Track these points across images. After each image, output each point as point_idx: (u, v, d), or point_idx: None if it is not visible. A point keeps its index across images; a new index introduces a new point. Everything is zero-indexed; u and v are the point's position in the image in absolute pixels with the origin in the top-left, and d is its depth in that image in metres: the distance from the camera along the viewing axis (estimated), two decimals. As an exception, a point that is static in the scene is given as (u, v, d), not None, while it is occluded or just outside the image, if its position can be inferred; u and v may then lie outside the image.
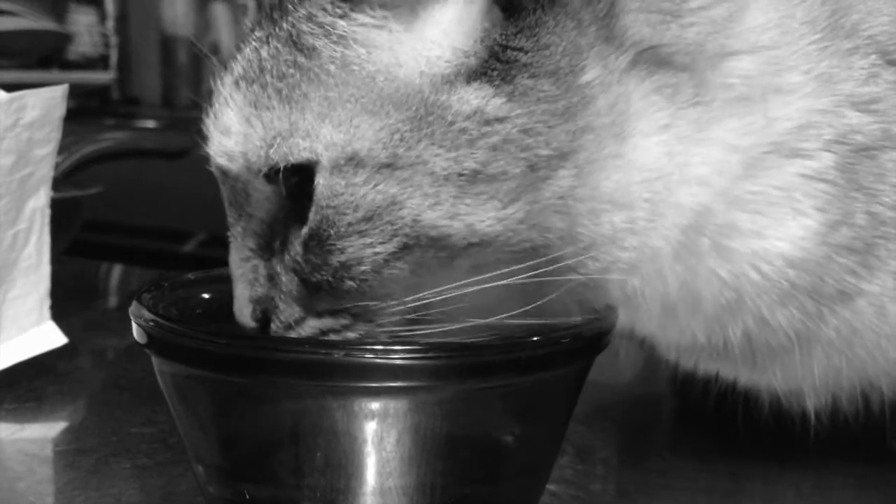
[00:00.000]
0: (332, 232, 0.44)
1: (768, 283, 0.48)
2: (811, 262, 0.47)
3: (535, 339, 0.43)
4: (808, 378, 0.51)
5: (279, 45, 0.46)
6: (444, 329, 0.45)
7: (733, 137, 0.46)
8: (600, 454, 0.60)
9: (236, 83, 0.47)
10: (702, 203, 0.46)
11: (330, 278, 0.45)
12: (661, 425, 0.67)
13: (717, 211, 0.47)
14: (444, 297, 0.45)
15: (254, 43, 0.47)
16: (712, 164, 0.46)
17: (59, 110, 0.69)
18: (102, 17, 2.36)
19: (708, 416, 0.59)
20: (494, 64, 0.44)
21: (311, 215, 0.45)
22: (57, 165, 0.71)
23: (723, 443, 0.58)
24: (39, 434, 0.60)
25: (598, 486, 0.55)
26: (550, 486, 0.50)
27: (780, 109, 0.46)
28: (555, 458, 0.49)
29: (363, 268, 0.44)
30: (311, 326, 0.46)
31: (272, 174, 0.45)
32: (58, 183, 0.73)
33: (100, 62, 2.32)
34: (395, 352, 0.40)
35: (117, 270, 1.12)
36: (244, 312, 0.47)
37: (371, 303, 0.45)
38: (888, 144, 0.47)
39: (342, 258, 0.44)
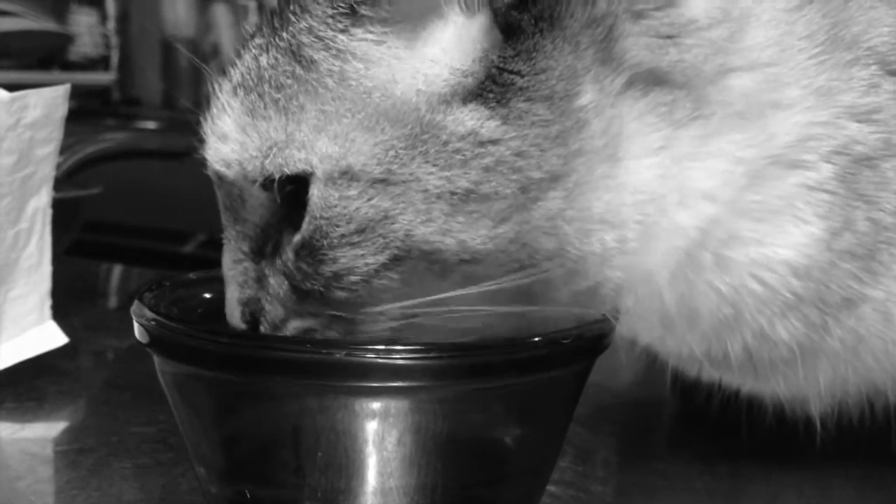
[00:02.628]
0: (324, 242, 0.44)
1: (770, 294, 0.48)
2: (815, 268, 0.47)
3: (536, 339, 0.43)
4: (813, 387, 0.51)
5: (278, 55, 0.46)
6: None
7: (737, 149, 0.46)
8: (600, 456, 0.60)
9: (234, 90, 0.47)
10: (708, 218, 0.46)
11: (321, 287, 0.45)
12: (662, 427, 0.67)
13: (723, 222, 0.47)
14: (431, 309, 0.45)
15: (253, 50, 0.47)
16: (718, 176, 0.46)
17: (61, 110, 0.69)
18: (103, 18, 2.36)
19: (711, 420, 0.59)
20: (491, 86, 0.44)
21: (305, 225, 0.45)
22: (58, 166, 0.72)
23: (724, 444, 0.58)
24: (40, 433, 0.60)
25: (599, 488, 0.55)
26: (550, 488, 0.50)
27: (779, 125, 0.46)
28: (555, 459, 0.49)
29: (353, 278, 0.44)
30: (294, 327, 0.46)
31: (267, 183, 0.45)
32: (58, 183, 0.73)
33: (101, 63, 2.32)
34: (397, 351, 0.40)
35: (117, 271, 1.12)
36: (234, 314, 0.47)
37: (357, 315, 0.45)
38: (889, 153, 0.47)
39: (334, 268, 0.44)
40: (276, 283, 0.46)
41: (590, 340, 0.45)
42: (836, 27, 0.47)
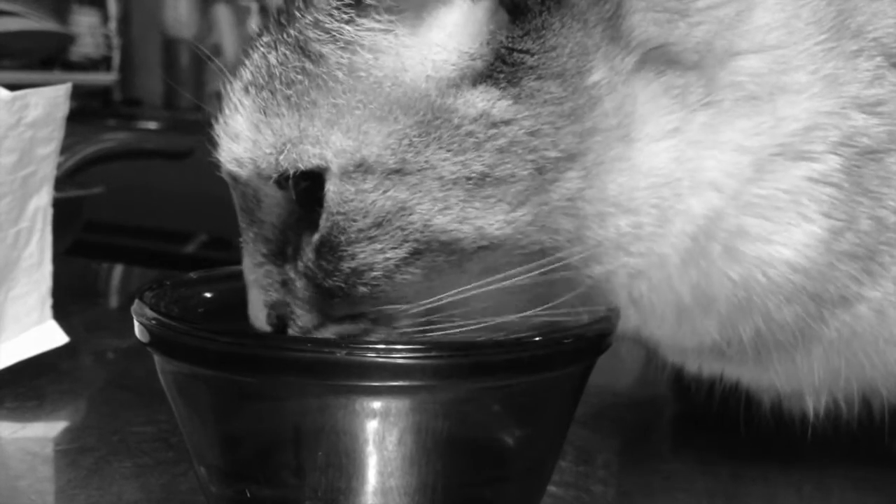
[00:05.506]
0: (342, 238, 0.44)
1: (774, 286, 0.48)
2: (814, 269, 0.47)
3: (537, 339, 0.43)
4: (808, 377, 0.51)
5: (287, 52, 0.46)
6: (460, 330, 0.45)
7: (743, 138, 0.46)
8: (601, 456, 0.60)
9: (245, 89, 0.47)
10: (714, 208, 0.46)
11: (342, 284, 0.45)
12: (663, 427, 0.67)
13: (728, 215, 0.47)
14: (456, 299, 0.45)
15: (262, 49, 0.47)
16: (724, 168, 0.46)
17: (62, 109, 0.69)
18: (105, 19, 2.36)
19: (710, 419, 0.59)
20: (500, 66, 0.44)
21: (322, 222, 0.45)
22: (59, 165, 0.72)
23: (724, 445, 0.58)
24: (40, 433, 0.60)
25: (599, 488, 0.55)
26: (551, 488, 0.50)
27: (789, 109, 0.46)
28: (556, 459, 0.49)
29: (375, 273, 0.44)
30: (332, 332, 0.46)
31: (282, 180, 0.45)
32: (60, 183, 0.73)
33: (102, 63, 2.32)
34: (397, 351, 0.40)
35: (118, 270, 1.12)
36: (259, 317, 0.47)
37: (387, 307, 0.45)
38: (894, 147, 0.47)
39: (353, 264, 0.44)
40: (303, 287, 0.46)
41: (591, 340, 0.45)
42: (842, 16, 0.47)
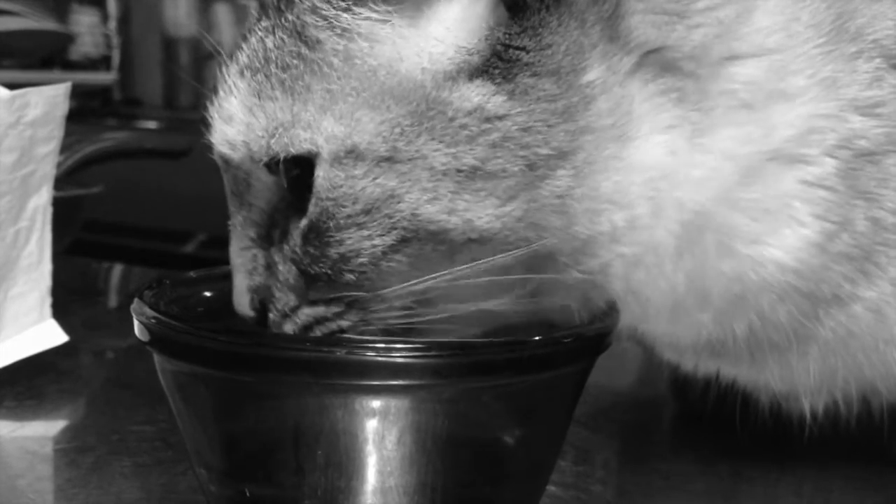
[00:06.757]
0: (331, 224, 0.44)
1: (766, 284, 0.48)
2: (807, 270, 0.47)
3: (537, 338, 0.43)
4: (804, 377, 0.51)
5: (284, 36, 0.46)
6: (439, 319, 0.45)
7: (731, 146, 0.46)
8: (600, 456, 0.60)
9: (241, 72, 0.47)
10: (701, 204, 0.47)
11: (328, 270, 0.45)
12: (662, 427, 0.67)
13: (716, 213, 0.47)
14: (441, 290, 0.45)
15: (259, 33, 0.47)
16: (708, 171, 0.46)
17: (62, 108, 0.69)
18: (105, 18, 2.36)
19: (707, 418, 0.59)
20: (497, 62, 0.44)
21: (311, 207, 0.45)
22: (58, 164, 0.72)
23: (723, 444, 0.58)
24: (40, 432, 0.60)
25: (599, 488, 0.55)
26: (550, 488, 0.50)
27: (783, 115, 0.46)
28: (555, 459, 0.49)
29: (361, 260, 0.44)
30: (305, 315, 0.46)
31: (273, 164, 0.46)
32: (59, 182, 0.73)
33: (102, 63, 2.32)
34: (397, 350, 0.40)
35: (117, 270, 1.12)
36: (242, 302, 0.47)
37: (367, 294, 0.45)
38: (892, 149, 0.47)
39: (341, 250, 0.44)
40: (286, 270, 0.46)
41: (591, 339, 0.45)
42: (841, 18, 0.47)
